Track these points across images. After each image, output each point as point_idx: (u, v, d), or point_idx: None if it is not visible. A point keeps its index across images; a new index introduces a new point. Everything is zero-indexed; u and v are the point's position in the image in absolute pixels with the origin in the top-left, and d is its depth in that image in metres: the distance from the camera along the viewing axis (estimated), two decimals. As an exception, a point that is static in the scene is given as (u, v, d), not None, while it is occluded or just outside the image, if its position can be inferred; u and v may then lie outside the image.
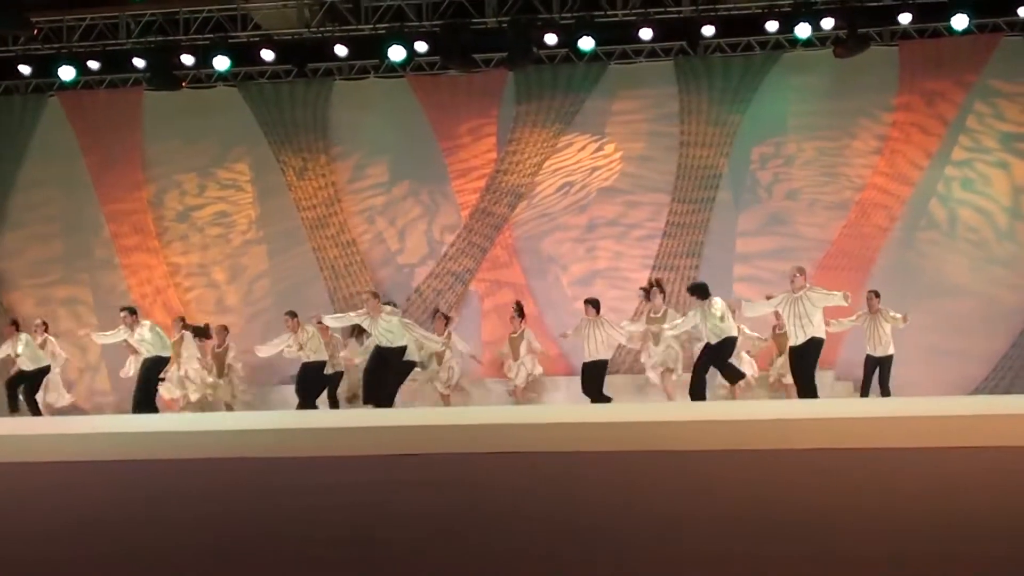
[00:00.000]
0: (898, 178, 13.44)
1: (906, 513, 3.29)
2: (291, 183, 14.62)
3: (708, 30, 13.21)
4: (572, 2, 13.50)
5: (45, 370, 12.59)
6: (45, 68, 14.16)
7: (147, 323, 12.01)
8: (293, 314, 12.08)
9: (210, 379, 12.88)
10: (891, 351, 11.49)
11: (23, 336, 12.50)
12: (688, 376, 11.18)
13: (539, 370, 12.71)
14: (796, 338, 10.20)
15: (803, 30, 13.01)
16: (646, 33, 13.30)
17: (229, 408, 12.81)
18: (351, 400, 12.62)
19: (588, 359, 11.75)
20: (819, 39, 13.67)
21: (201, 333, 12.85)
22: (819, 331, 10.16)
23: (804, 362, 10.18)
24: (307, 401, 11.98)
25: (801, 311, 10.09)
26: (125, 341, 12.07)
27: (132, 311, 11.99)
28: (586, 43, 13.28)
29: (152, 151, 14.98)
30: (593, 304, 11.95)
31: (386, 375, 11.06)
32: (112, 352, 13.48)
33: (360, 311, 11.23)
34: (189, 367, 12.65)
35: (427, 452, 5.78)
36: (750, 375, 11.90)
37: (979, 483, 4.02)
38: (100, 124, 14.88)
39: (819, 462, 4.83)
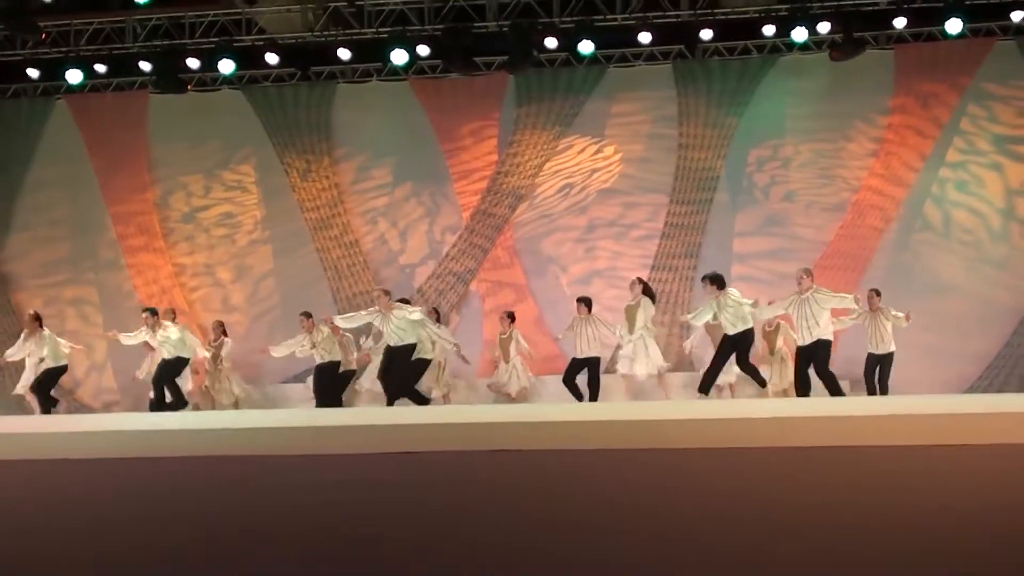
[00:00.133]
0: (893, 180, 13.52)
1: (903, 510, 3.30)
2: (295, 185, 14.68)
3: (706, 34, 13.33)
4: (572, 6, 13.62)
5: (64, 368, 12.30)
6: (53, 71, 14.23)
7: (178, 325, 12.19)
8: (308, 315, 12.03)
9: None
10: (892, 348, 11.51)
11: (47, 334, 12.14)
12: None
13: (531, 380, 12.77)
14: (803, 339, 10.30)
15: (799, 34, 13.13)
16: (645, 37, 13.39)
17: (235, 405, 12.99)
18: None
19: (579, 356, 11.83)
20: (815, 43, 13.80)
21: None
22: (826, 332, 10.22)
23: (816, 365, 10.21)
24: (325, 401, 11.88)
25: (808, 312, 10.17)
26: (146, 342, 12.23)
27: (153, 312, 12.13)
28: (586, 47, 13.38)
29: (158, 153, 15.05)
30: (585, 303, 12.01)
31: (402, 372, 11.04)
32: (117, 351, 13.59)
33: (372, 309, 11.27)
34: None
35: (426, 450, 5.84)
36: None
37: (977, 480, 4.03)
38: (107, 127, 14.93)
39: (817, 460, 4.81)
